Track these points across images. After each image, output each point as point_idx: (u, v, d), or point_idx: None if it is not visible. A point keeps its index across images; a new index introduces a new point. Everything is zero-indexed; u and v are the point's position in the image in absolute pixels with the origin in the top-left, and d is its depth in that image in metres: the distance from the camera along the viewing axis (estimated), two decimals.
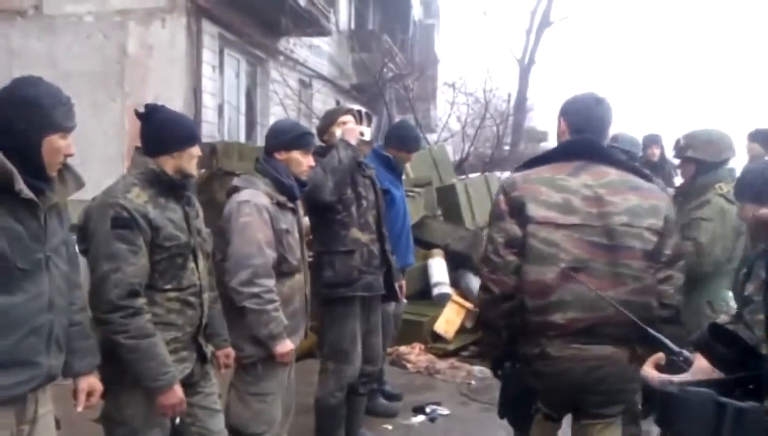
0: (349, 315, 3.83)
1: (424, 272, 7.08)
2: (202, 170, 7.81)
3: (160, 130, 2.61)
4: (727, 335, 1.18)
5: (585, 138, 2.66)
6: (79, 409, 2.37)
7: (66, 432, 2.46)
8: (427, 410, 4.98)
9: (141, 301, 2.48)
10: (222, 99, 9.23)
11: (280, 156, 3.24)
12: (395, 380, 5.51)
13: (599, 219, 2.52)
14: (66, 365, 2.26)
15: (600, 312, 2.45)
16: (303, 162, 3.28)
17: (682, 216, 3.53)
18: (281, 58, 10.78)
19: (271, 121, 9.91)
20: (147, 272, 2.52)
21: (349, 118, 3.96)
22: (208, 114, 8.54)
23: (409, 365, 6.00)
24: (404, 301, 4.84)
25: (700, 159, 3.60)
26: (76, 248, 2.50)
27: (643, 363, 1.40)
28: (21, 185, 1.96)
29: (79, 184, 2.25)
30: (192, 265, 2.67)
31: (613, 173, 2.61)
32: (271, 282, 3.06)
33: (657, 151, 6.99)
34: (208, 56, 8.48)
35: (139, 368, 2.48)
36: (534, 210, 2.54)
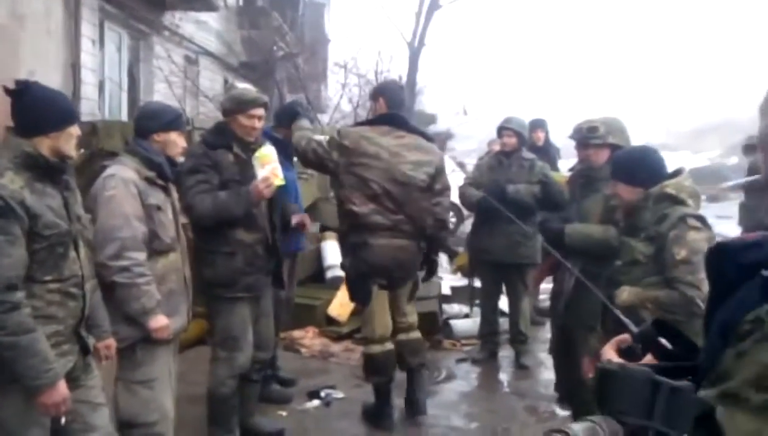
0: (236, 304, 3.74)
1: (318, 256, 7.04)
2: (82, 151, 7.41)
3: (35, 109, 2.44)
4: (671, 330, 1.20)
5: (395, 113, 4.27)
6: None
7: None
8: (322, 394, 4.95)
9: (19, 295, 2.31)
10: (103, 75, 8.77)
11: (159, 137, 3.22)
12: (289, 365, 5.44)
13: (396, 164, 4.06)
14: None
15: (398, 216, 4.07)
16: (179, 143, 3.30)
17: (593, 198, 3.89)
18: (166, 33, 10.34)
19: (156, 98, 9.55)
20: (25, 263, 2.34)
21: (260, 111, 3.78)
22: (88, 91, 8.09)
23: (303, 350, 5.95)
24: (294, 285, 4.80)
25: (618, 144, 3.78)
26: None
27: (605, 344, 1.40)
28: None
29: None
30: (73, 254, 2.51)
31: (407, 137, 4.17)
32: (141, 255, 2.99)
33: (542, 136, 7.24)
34: (88, 29, 8.01)
35: (18, 366, 2.32)
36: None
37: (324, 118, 14.40)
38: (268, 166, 3.61)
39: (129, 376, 3.10)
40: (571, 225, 3.94)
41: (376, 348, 4.32)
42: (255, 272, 3.77)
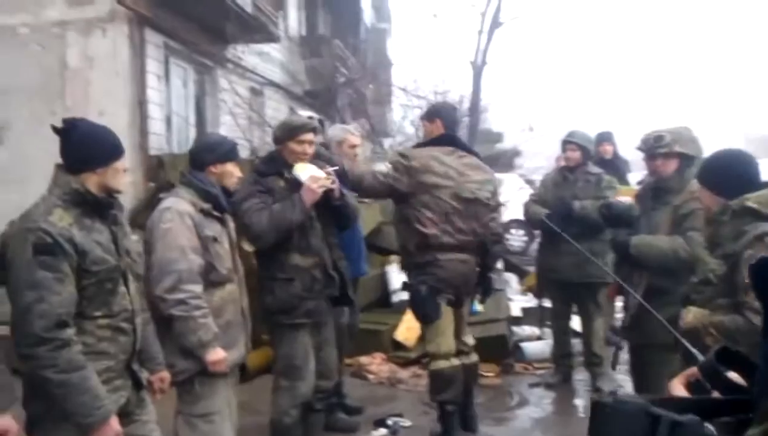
0: (297, 333, 3.70)
1: (383, 280, 6.98)
2: (151, 184, 7.60)
3: (82, 146, 2.44)
4: (741, 361, 1.02)
5: (454, 134, 4.47)
6: None
7: None
8: (389, 422, 4.85)
9: (69, 332, 2.30)
10: (170, 110, 8.95)
11: (215, 169, 3.24)
12: (356, 393, 5.37)
13: (463, 183, 4.15)
14: None
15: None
16: (235, 174, 3.32)
17: (663, 210, 3.75)
18: (230, 65, 10.54)
19: (222, 130, 9.72)
20: (74, 300, 2.33)
21: (309, 136, 3.78)
22: (156, 125, 8.26)
23: (370, 376, 5.87)
24: (357, 311, 4.74)
25: (688, 154, 3.67)
26: None
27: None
28: None
29: None
30: (122, 288, 2.50)
31: (467, 156, 4.28)
32: (197, 288, 2.98)
33: (609, 149, 7.02)
34: (153, 66, 8.22)
35: (70, 403, 2.30)
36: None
37: (389, 142, 14.41)
38: (309, 169, 3.66)
39: (189, 410, 3.09)
40: (638, 236, 3.77)
41: (442, 363, 4.23)
42: (314, 297, 3.73)
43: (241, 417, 4.51)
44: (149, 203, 5.77)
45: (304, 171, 3.67)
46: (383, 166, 4.25)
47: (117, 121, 7.62)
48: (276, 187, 3.71)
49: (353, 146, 4.69)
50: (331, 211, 3.84)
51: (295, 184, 3.69)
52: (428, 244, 4.10)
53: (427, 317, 4.26)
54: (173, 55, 8.99)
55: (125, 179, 2.63)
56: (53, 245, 2.28)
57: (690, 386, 1.15)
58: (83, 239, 2.37)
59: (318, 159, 3.89)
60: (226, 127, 9.85)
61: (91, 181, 2.44)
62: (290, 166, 3.74)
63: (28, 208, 2.41)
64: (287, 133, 3.80)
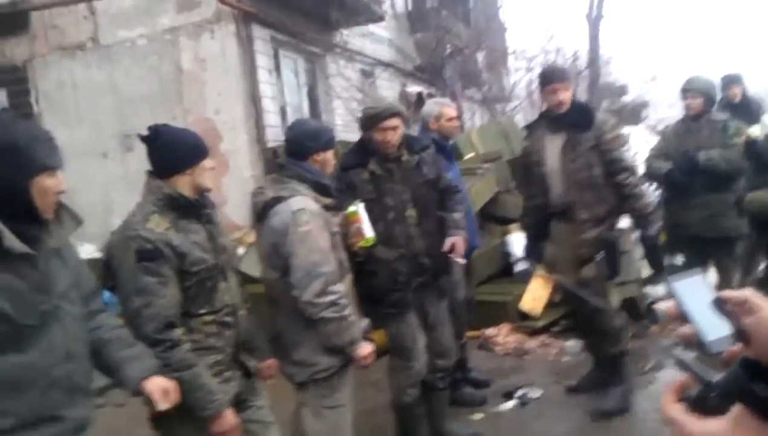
0: (398, 316, 3.65)
1: (504, 250, 6.84)
2: (269, 176, 7.83)
3: (168, 150, 2.53)
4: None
5: None
6: (163, 407, 2.27)
7: None
8: (518, 393, 4.76)
9: (178, 332, 2.42)
10: (283, 101, 9.16)
11: (318, 157, 3.09)
12: (483, 365, 5.31)
13: None
14: (123, 379, 2.22)
15: None
16: (332, 162, 3.20)
17: None
18: (338, 50, 10.64)
19: (335, 116, 9.85)
20: (179, 300, 2.45)
21: (393, 122, 3.58)
22: (271, 118, 8.49)
23: (497, 348, 5.79)
24: (472, 285, 4.66)
25: None
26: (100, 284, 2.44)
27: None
28: (10, 242, 1.83)
29: (78, 221, 2.12)
30: (223, 284, 2.59)
31: None
32: (342, 287, 2.94)
33: (738, 91, 6.47)
34: (263, 60, 8.43)
35: (185, 400, 2.40)
36: None
37: (509, 107, 14.11)
38: (353, 226, 3.37)
39: (321, 402, 3.06)
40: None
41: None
42: (399, 288, 3.62)
43: (373, 396, 4.61)
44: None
45: (351, 224, 3.38)
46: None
47: (233, 117, 7.94)
48: (358, 181, 3.59)
49: (450, 119, 4.58)
50: (436, 193, 3.77)
51: (381, 180, 3.58)
52: None
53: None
54: (282, 47, 9.18)
55: (212, 177, 2.68)
56: (154, 250, 2.39)
57: (686, 401, 0.87)
58: (181, 241, 2.46)
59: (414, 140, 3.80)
60: (339, 112, 9.98)
61: (183, 183, 2.53)
62: (379, 155, 3.62)
63: (127, 218, 2.52)
64: (368, 122, 3.63)
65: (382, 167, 3.62)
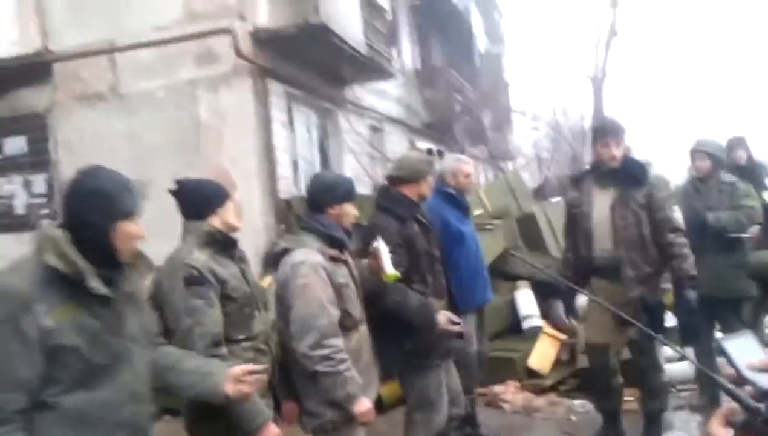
0: (434, 367, 3.73)
1: (512, 306, 6.90)
2: (281, 226, 7.95)
3: (197, 195, 2.85)
4: None
5: None
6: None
7: None
8: None
9: (224, 350, 2.66)
10: (295, 154, 9.33)
11: (333, 210, 3.17)
12: (491, 422, 5.31)
13: None
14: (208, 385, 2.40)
15: None
16: (352, 213, 3.25)
17: None
18: (349, 106, 10.88)
19: (345, 169, 10.01)
20: (222, 322, 2.68)
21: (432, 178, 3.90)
22: (283, 170, 8.65)
23: (505, 405, 5.79)
24: (485, 339, 4.72)
25: None
26: None
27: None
28: (94, 283, 1.95)
29: (150, 267, 2.28)
30: (257, 313, 2.84)
31: None
32: (339, 341, 2.95)
33: (743, 154, 6.60)
34: (278, 114, 8.63)
35: (234, 412, 2.59)
36: None
37: (510, 165, 14.29)
38: (375, 262, 3.45)
39: None
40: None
41: None
42: (448, 336, 3.75)
43: None
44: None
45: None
46: None
47: (246, 168, 8.08)
48: (414, 234, 3.71)
49: (468, 175, 4.71)
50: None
51: (428, 230, 3.78)
52: None
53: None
54: (295, 101, 9.40)
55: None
56: (200, 276, 2.66)
57: (732, 427, 0.96)
58: (221, 270, 2.73)
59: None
60: (349, 166, 10.15)
61: (216, 222, 2.82)
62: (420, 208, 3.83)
63: (172, 253, 2.79)
64: (417, 174, 3.82)
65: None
